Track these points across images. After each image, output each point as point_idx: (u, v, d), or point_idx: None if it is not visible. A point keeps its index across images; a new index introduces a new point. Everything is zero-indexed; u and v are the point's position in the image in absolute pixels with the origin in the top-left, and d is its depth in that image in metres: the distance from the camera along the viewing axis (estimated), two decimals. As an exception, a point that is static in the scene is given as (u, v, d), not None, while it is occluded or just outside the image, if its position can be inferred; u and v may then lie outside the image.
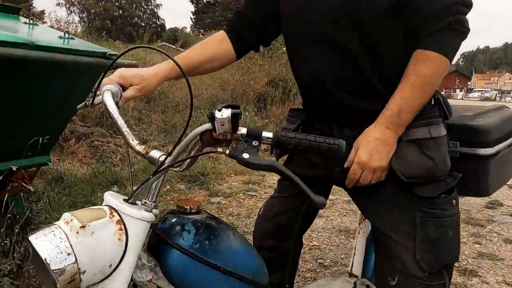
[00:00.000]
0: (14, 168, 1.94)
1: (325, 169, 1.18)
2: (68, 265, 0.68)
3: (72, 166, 4.08)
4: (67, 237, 0.70)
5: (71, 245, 0.69)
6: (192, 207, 0.95)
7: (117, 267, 0.78)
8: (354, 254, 1.43)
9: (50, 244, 0.68)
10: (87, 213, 0.76)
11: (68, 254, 0.68)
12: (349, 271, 1.42)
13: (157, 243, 0.90)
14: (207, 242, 0.90)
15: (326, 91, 1.09)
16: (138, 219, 0.80)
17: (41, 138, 1.99)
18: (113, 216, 0.78)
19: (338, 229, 3.15)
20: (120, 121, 0.89)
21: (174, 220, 0.93)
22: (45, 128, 2.09)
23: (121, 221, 0.78)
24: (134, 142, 0.87)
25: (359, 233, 1.43)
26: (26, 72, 1.73)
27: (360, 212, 1.43)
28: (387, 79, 1.04)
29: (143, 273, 0.87)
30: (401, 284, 1.03)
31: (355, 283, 1.34)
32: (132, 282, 0.86)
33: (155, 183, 0.88)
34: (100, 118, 4.85)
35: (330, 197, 3.82)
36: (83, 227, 0.71)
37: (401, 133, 1.02)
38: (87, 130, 4.55)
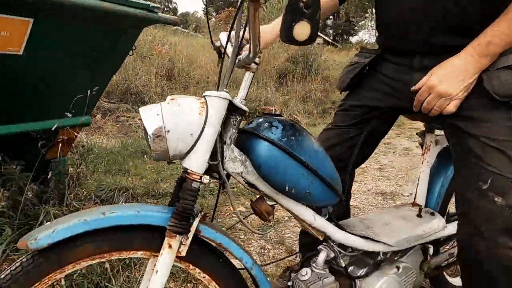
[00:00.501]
0: (58, 125, 2.01)
1: (398, 98, 1.24)
2: (157, 123, 0.83)
3: (100, 140, 4.20)
4: (161, 105, 0.85)
5: (161, 110, 0.84)
6: (276, 109, 1.02)
7: (197, 139, 0.86)
8: (418, 184, 1.48)
9: (150, 111, 0.85)
10: (182, 96, 0.89)
11: (157, 114, 0.84)
12: (413, 201, 1.48)
13: (247, 140, 0.98)
14: (293, 138, 0.98)
15: (418, 25, 1.12)
16: (217, 96, 0.88)
17: (89, 92, 2.07)
18: (200, 99, 0.89)
19: (374, 191, 3.21)
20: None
21: (260, 120, 1.01)
22: (89, 84, 2.17)
23: (204, 102, 0.88)
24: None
25: (422, 163, 1.48)
26: (76, 19, 1.76)
27: (424, 144, 1.48)
28: (488, 16, 1.02)
29: (235, 165, 0.96)
30: (496, 184, 1.01)
31: (420, 209, 1.40)
32: (226, 172, 0.95)
33: (245, 82, 0.96)
34: (124, 94, 4.96)
35: (362, 165, 3.91)
36: (173, 99, 0.86)
37: (485, 66, 1.00)
38: (112, 106, 4.66)
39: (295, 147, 0.97)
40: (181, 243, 0.84)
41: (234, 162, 0.95)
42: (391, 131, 5.64)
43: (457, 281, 1.71)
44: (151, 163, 3.61)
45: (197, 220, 0.87)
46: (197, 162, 0.86)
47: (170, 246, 0.83)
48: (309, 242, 1.52)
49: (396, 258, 1.32)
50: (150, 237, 0.85)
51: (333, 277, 1.19)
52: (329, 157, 1.10)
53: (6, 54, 1.66)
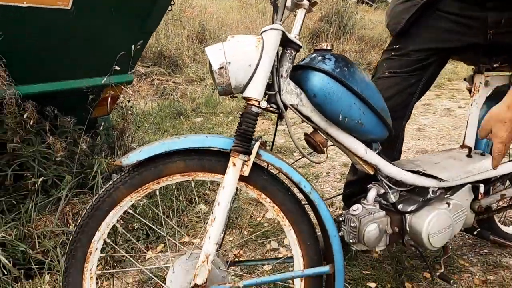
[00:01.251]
0: (105, 82, 2.12)
1: (471, 34, 1.23)
2: (220, 56, 0.93)
3: (137, 103, 4.36)
4: (223, 43, 0.95)
5: (223, 46, 0.94)
6: (327, 44, 1.05)
7: (255, 69, 0.93)
8: (467, 127, 1.47)
9: (213, 48, 0.95)
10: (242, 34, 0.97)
11: (220, 50, 0.94)
12: (462, 144, 1.48)
13: (302, 74, 1.02)
14: (346, 69, 1.01)
15: None
16: (271, 28, 0.95)
17: (133, 46, 2.15)
18: (257, 35, 0.96)
19: (414, 150, 3.19)
20: None
21: (314, 55, 1.05)
22: (132, 39, 2.25)
23: (261, 37, 0.96)
24: None
25: (471, 105, 1.47)
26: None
27: (473, 85, 1.46)
28: None
29: (291, 97, 1.01)
30: None
31: (469, 149, 1.40)
32: (283, 104, 1.00)
33: (298, 20, 0.99)
34: (158, 58, 5.06)
35: None
36: (233, 37, 0.96)
37: None
38: (146, 70, 4.78)
39: (348, 77, 1.01)
40: (244, 163, 0.92)
41: (291, 94, 1.00)
42: (429, 92, 5.41)
43: (508, 229, 1.72)
44: (187, 123, 3.74)
45: (257, 144, 0.93)
46: (255, 89, 0.92)
47: (234, 165, 0.91)
48: (353, 192, 1.57)
49: (446, 196, 1.34)
50: (223, 163, 0.94)
51: (384, 212, 1.24)
52: (379, 91, 1.12)
53: (55, 9, 1.75)
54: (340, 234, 1.35)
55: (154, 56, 5.01)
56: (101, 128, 2.24)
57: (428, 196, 1.30)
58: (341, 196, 2.07)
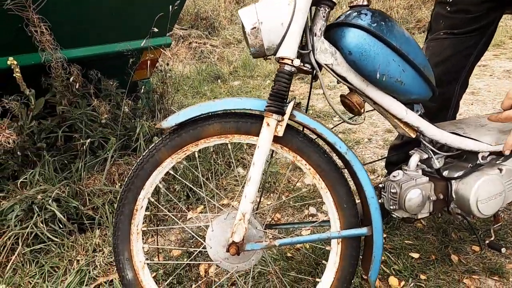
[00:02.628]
0: (144, 45, 2.19)
1: None
2: (252, 17, 0.95)
3: (176, 66, 4.47)
4: (255, 4, 0.96)
5: (255, 7, 0.95)
6: (363, 0, 1.02)
7: (288, 28, 0.93)
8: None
9: (246, 9, 0.97)
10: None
11: (251, 10, 0.96)
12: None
13: (337, 31, 1.01)
14: (383, 23, 0.99)
15: None
16: None
17: (170, 7, 2.18)
18: None
19: (465, 115, 3.02)
20: None
21: (349, 12, 1.03)
22: (169, 1, 2.28)
23: None
24: None
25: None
26: None
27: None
28: None
29: (326, 57, 1.00)
30: None
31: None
32: (317, 63, 1.00)
33: None
34: (195, 20, 5.08)
35: None
36: None
37: None
38: (184, 33, 4.83)
39: (385, 32, 0.98)
40: (277, 123, 0.95)
41: (325, 53, 1.00)
42: (487, 52, 4.98)
43: None
44: (224, 87, 3.79)
45: (291, 104, 0.96)
46: (288, 47, 0.93)
47: (268, 124, 0.94)
48: (398, 159, 1.55)
49: (498, 162, 1.30)
50: (258, 124, 0.98)
51: (427, 178, 1.22)
52: (421, 48, 1.08)
53: (93, -28, 1.82)
54: (380, 201, 1.36)
55: (191, 18, 5.05)
56: (142, 91, 2.34)
57: (477, 162, 1.26)
58: (383, 163, 2.05)
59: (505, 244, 1.53)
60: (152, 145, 1.02)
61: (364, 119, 1.09)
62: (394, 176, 1.24)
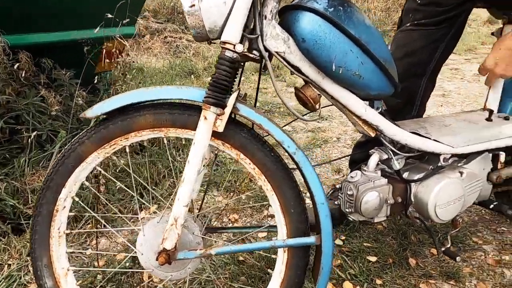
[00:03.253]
0: (100, 34, 1.99)
1: None
2: None
3: (149, 60, 4.27)
4: None
5: None
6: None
7: (232, 7, 0.80)
8: (490, 87, 1.29)
9: None
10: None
11: None
12: (483, 107, 1.31)
13: (290, 15, 0.88)
14: (341, 9, 0.87)
15: None
16: None
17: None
18: None
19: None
20: None
21: None
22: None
23: None
24: None
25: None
26: None
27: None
28: None
29: (277, 43, 0.87)
30: None
31: (490, 113, 1.23)
32: (267, 50, 0.87)
33: None
34: (171, 14, 4.89)
35: None
36: None
37: None
38: (159, 26, 4.64)
39: (343, 19, 0.86)
40: (217, 117, 0.81)
41: (276, 39, 0.87)
42: (459, 57, 5.05)
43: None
44: (197, 82, 3.63)
45: (234, 95, 0.82)
46: (231, 31, 0.79)
47: (205, 118, 0.80)
48: (362, 157, 1.44)
49: (459, 164, 1.20)
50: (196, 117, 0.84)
51: (386, 180, 1.12)
52: (384, 39, 0.97)
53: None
54: (336, 203, 1.26)
55: (167, 12, 4.85)
56: (99, 83, 2.16)
57: (439, 164, 1.16)
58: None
59: (463, 247, 1.45)
60: (75, 138, 0.87)
61: (319, 115, 0.97)
62: (351, 177, 1.12)
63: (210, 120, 0.81)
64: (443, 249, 1.15)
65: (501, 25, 1.28)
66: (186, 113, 0.84)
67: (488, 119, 1.24)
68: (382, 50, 0.94)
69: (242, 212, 1.64)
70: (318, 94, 0.97)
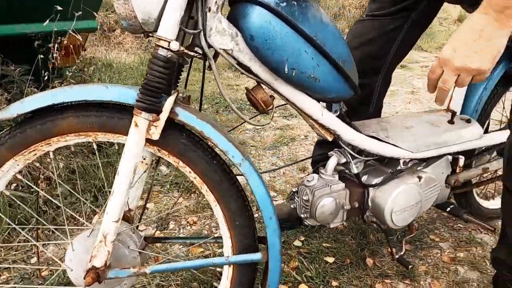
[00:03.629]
0: (58, 28, 1.82)
1: None
2: None
3: (119, 56, 4.06)
4: None
5: None
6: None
7: None
8: (454, 88, 1.23)
9: None
10: None
11: None
12: (447, 107, 1.24)
13: (239, 9, 0.77)
14: (296, 4, 0.76)
15: None
16: None
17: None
18: None
19: (402, 113, 2.94)
20: None
21: None
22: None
23: None
24: None
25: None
26: None
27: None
28: None
29: (223, 40, 0.76)
30: None
31: (453, 115, 1.17)
32: (214, 51, 0.76)
33: None
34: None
35: (391, 88, 3.57)
36: None
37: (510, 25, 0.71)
38: (130, 20, 4.41)
39: (298, 16, 0.76)
40: (151, 123, 0.70)
41: (222, 35, 0.76)
42: (430, 54, 5.02)
43: (486, 203, 1.53)
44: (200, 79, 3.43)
45: (170, 99, 0.71)
46: (165, 25, 0.67)
47: (136, 125, 0.69)
48: (323, 158, 1.36)
49: (418, 168, 1.14)
50: (128, 121, 0.72)
51: (343, 184, 1.04)
52: (344, 39, 0.88)
53: None
54: (292, 206, 1.18)
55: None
56: (57, 80, 1.99)
57: (398, 167, 1.10)
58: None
59: (420, 245, 1.40)
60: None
61: (271, 119, 0.87)
62: (308, 181, 1.04)
63: (142, 127, 0.69)
64: (396, 256, 1.08)
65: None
66: (116, 116, 0.72)
67: (450, 122, 1.18)
68: (340, 50, 0.85)
69: (201, 214, 1.54)
70: (271, 96, 0.88)
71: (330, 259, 1.29)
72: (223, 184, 0.76)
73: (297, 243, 1.35)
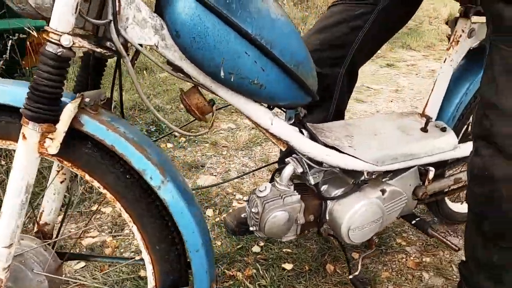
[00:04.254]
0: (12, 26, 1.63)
1: None
2: None
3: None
4: None
5: None
6: None
7: None
8: (433, 90, 1.07)
9: None
10: None
11: None
12: (422, 112, 1.09)
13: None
14: (235, -5, 0.59)
15: None
16: None
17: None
18: None
19: (382, 112, 2.76)
20: None
21: None
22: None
23: None
24: None
25: (445, 61, 1.04)
26: None
27: (453, 34, 1.02)
28: None
29: (144, 33, 0.60)
30: None
31: (427, 121, 1.02)
32: (127, 42, 0.59)
33: None
34: None
35: (375, 86, 3.36)
36: None
37: None
38: None
39: (236, 10, 0.59)
40: (45, 135, 0.54)
41: (143, 28, 0.59)
42: (417, 53, 4.69)
43: (458, 207, 1.41)
44: (149, 79, 3.14)
45: (71, 106, 0.55)
46: (57, 13, 0.51)
47: (24, 137, 0.53)
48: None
49: (384, 180, 1.00)
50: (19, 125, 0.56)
51: (298, 196, 0.90)
52: (299, 36, 0.71)
53: None
54: (243, 215, 1.05)
55: None
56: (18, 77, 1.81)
57: (362, 178, 0.96)
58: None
59: (385, 250, 1.30)
60: None
61: (210, 127, 0.71)
62: (260, 191, 0.91)
63: (32, 140, 0.54)
64: (350, 276, 0.97)
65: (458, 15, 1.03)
66: (4, 120, 0.57)
67: (424, 129, 1.03)
68: (294, 51, 0.69)
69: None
70: (209, 101, 0.72)
71: (289, 266, 1.18)
72: (139, 202, 0.62)
73: (255, 248, 1.24)
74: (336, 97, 1.12)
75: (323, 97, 1.10)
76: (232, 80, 0.64)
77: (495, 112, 0.70)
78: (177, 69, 0.67)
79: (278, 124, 0.77)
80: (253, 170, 1.31)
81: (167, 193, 0.61)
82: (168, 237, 0.66)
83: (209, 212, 1.42)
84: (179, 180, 0.65)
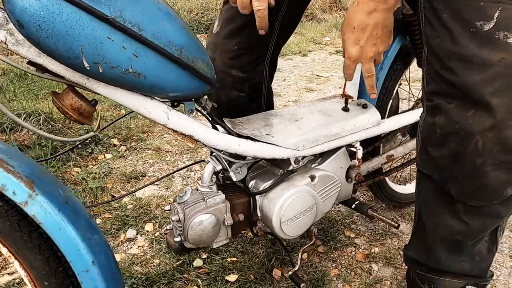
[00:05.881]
0: None
1: None
2: None
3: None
4: None
5: None
6: None
7: None
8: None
9: None
10: None
11: None
12: (342, 93, 1.08)
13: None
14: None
15: None
16: None
17: None
18: None
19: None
20: None
21: None
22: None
23: None
24: None
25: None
26: None
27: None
28: None
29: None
30: None
31: (346, 100, 1.01)
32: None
33: None
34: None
35: (325, 74, 3.44)
36: None
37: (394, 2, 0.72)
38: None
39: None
40: None
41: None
42: None
43: (402, 188, 1.42)
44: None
45: None
46: None
47: None
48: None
49: (312, 165, 0.97)
50: None
51: (222, 196, 0.85)
52: (178, 18, 0.67)
53: None
54: (169, 227, 0.97)
55: None
56: None
57: (290, 167, 0.92)
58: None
59: (335, 244, 1.25)
60: None
61: (96, 131, 0.65)
62: (180, 197, 0.84)
63: None
64: (290, 273, 0.91)
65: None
66: None
67: (345, 109, 1.03)
68: (173, 34, 0.64)
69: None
70: (92, 101, 0.65)
71: (233, 277, 1.10)
72: (16, 235, 0.53)
73: (197, 262, 1.15)
74: (264, 92, 1.09)
75: (253, 97, 1.08)
76: (101, 71, 0.57)
77: (461, 62, 0.63)
78: (41, 68, 0.60)
79: (176, 118, 0.72)
80: (180, 168, 1.24)
81: (37, 208, 0.52)
82: (58, 269, 0.57)
83: (149, 226, 1.31)
84: (57, 194, 0.56)
